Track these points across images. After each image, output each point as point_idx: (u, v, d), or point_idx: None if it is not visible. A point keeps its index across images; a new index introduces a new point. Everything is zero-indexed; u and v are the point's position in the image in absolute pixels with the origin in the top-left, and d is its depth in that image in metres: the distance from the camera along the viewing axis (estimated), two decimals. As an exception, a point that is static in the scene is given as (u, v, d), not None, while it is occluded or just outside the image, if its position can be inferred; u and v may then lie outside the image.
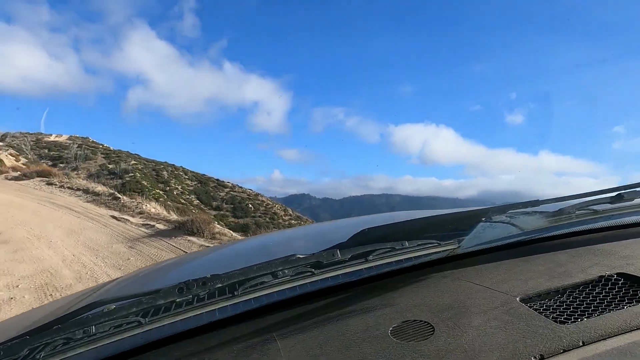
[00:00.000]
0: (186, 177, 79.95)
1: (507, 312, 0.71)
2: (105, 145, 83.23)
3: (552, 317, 0.69)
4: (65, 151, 72.55)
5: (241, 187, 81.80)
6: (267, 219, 68.01)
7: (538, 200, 1.12)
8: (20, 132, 74.60)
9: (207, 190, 76.46)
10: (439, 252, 0.95)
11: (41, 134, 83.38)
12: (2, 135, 62.69)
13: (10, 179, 15.18)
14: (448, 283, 0.88)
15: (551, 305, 0.74)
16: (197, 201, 71.08)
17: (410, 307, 0.78)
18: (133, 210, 11.22)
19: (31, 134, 79.20)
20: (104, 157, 75.98)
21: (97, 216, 10.58)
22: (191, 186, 76.93)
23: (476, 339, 0.64)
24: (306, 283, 0.85)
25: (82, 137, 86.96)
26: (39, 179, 14.96)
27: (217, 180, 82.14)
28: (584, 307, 0.71)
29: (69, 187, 13.56)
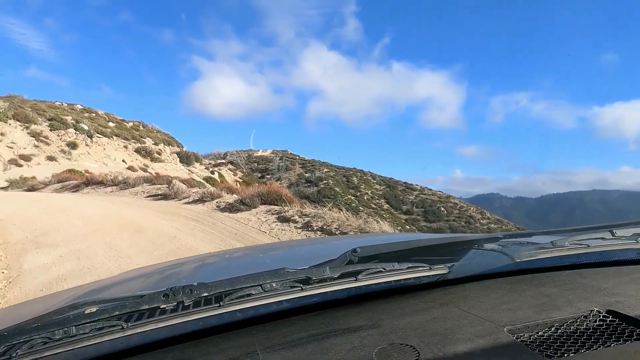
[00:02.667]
0: (374, 181, 75.43)
1: (494, 343, 0.67)
2: (300, 156, 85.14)
3: (539, 351, 0.65)
4: (270, 164, 75.20)
5: (430, 189, 72.62)
6: (463, 223, 56.14)
7: (531, 231, 1.12)
8: (236, 150, 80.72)
9: (395, 194, 69.98)
10: (429, 276, 0.91)
11: (251, 150, 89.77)
12: (224, 154, 68.06)
13: (223, 209, 8.94)
14: (436, 308, 0.83)
15: (538, 339, 0.70)
16: (387, 205, 64.83)
17: (397, 329, 0.74)
18: None
19: (244, 151, 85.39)
20: (301, 167, 77.01)
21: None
22: (380, 190, 71.74)
23: None
24: (293, 298, 0.80)
25: (282, 150, 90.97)
26: (264, 207, 8.28)
27: (405, 183, 74.93)
28: (570, 343, 0.68)
29: (320, 228, 6.26)
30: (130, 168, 26.38)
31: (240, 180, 41.27)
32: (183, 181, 13.95)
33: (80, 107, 38.69)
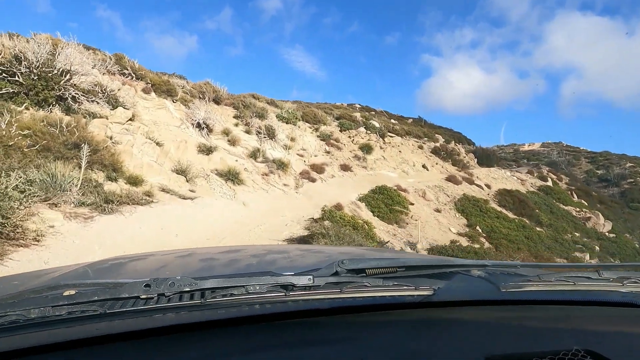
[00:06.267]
0: None
1: None
2: (583, 148, 61.18)
3: None
4: (544, 159, 54.99)
5: None
6: None
7: (518, 262, 1.03)
8: (497, 146, 64.10)
9: None
10: (414, 296, 0.84)
11: (515, 144, 71.04)
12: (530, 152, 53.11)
13: None
14: (417, 329, 0.78)
15: None
16: None
17: (374, 347, 0.69)
18: None
19: (505, 146, 67.74)
20: (588, 162, 54.44)
21: None
22: None
23: None
24: (276, 303, 0.74)
25: (555, 143, 68.05)
26: None
27: None
28: None
29: None
30: (451, 179, 15.44)
31: (573, 188, 25.14)
32: None
33: (358, 106, 31.66)
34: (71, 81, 9.53)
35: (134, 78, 13.94)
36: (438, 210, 13.28)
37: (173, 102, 14.45)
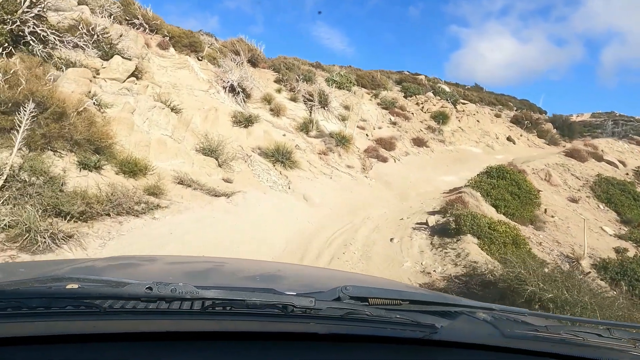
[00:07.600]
0: None
1: None
2: (639, 117, 54.82)
3: None
4: (596, 130, 48.94)
5: None
6: None
7: (526, 310, 0.98)
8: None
9: None
10: (415, 331, 0.80)
11: (562, 115, 64.23)
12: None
13: None
14: None
15: None
16: None
17: None
18: None
19: (550, 117, 61.18)
20: None
21: None
22: None
23: None
24: (274, 321, 0.72)
25: (607, 113, 61.18)
26: None
27: None
28: None
29: None
30: (574, 154, 10.93)
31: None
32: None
33: (408, 73, 26.74)
34: (35, 11, 5.78)
35: (147, 30, 10.14)
36: (574, 200, 8.91)
37: (198, 59, 10.60)
